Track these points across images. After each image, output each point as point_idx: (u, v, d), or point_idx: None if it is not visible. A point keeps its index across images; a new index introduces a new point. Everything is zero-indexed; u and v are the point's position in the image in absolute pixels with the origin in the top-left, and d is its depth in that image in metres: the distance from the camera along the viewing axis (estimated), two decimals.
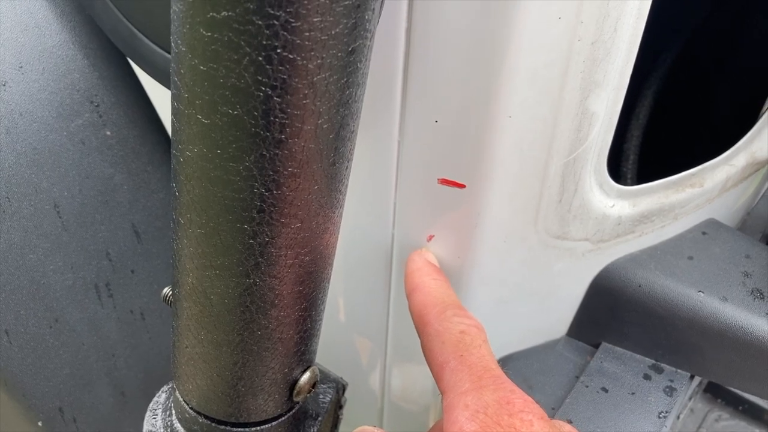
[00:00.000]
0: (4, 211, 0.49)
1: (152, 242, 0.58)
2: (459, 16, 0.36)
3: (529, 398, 0.35)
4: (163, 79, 0.49)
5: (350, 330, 0.61)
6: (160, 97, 0.59)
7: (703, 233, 0.56)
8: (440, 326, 0.40)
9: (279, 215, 0.30)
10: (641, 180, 0.51)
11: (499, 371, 0.37)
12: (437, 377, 0.39)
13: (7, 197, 0.49)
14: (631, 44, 0.40)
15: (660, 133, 0.80)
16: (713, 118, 0.78)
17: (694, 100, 0.82)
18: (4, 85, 0.49)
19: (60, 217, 0.51)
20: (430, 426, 0.51)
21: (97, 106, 0.53)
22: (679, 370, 0.54)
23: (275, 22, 0.25)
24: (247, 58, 0.26)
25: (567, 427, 0.37)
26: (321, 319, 0.39)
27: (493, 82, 0.37)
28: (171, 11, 0.28)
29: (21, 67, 0.49)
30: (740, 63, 0.76)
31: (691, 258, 0.54)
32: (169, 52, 0.46)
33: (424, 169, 0.43)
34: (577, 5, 0.35)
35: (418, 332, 0.42)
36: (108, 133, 0.53)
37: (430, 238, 0.47)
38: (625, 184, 0.49)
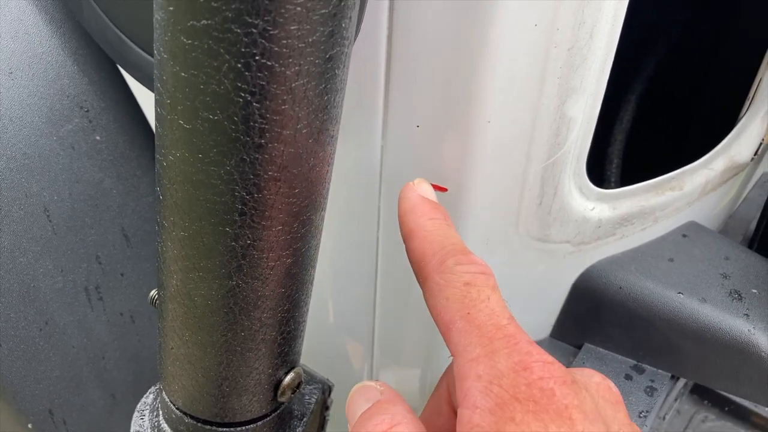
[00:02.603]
0: None
1: (141, 246, 0.58)
2: (438, 23, 0.37)
3: (548, 358, 0.31)
4: (151, 84, 0.50)
5: (337, 332, 0.62)
6: (149, 102, 0.59)
7: (684, 236, 0.57)
8: (442, 279, 0.36)
9: (260, 218, 0.31)
10: (625, 183, 0.51)
11: (512, 327, 0.33)
12: (445, 338, 0.35)
13: None
14: (608, 51, 0.40)
15: (644, 136, 0.81)
16: (695, 123, 0.79)
17: (676, 105, 0.83)
18: None
19: (50, 221, 0.52)
20: None
21: (86, 111, 0.53)
22: (660, 371, 0.55)
23: (253, 30, 0.25)
24: (227, 65, 0.26)
25: (596, 377, 0.34)
26: (305, 321, 0.40)
27: (472, 87, 0.38)
28: (153, 20, 0.28)
29: (11, 72, 0.50)
30: (722, 67, 0.77)
31: (671, 260, 0.55)
32: (150, 53, 0.47)
33: (407, 173, 0.44)
34: (552, 13, 0.36)
35: (419, 284, 0.38)
36: (97, 137, 0.54)
37: None
38: (609, 187, 0.50)
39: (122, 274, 0.58)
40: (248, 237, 0.31)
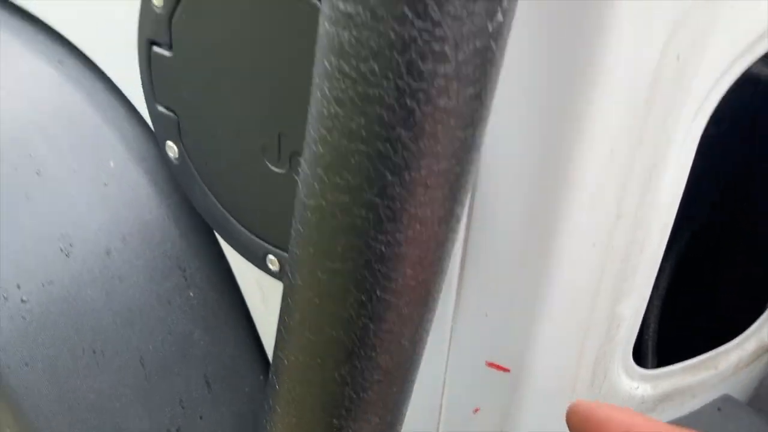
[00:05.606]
0: (97, 364, 0.56)
1: (221, 391, 0.64)
2: (509, 235, 0.43)
3: None
4: (243, 251, 0.57)
5: None
6: (240, 265, 0.66)
7: (719, 409, 0.61)
8: None
9: (364, 413, 0.37)
10: (661, 355, 0.56)
11: None
12: None
13: (102, 352, 0.56)
14: (655, 258, 0.47)
15: (676, 314, 0.85)
16: (725, 304, 0.84)
17: (705, 287, 0.87)
18: (108, 254, 0.57)
19: (144, 369, 0.58)
20: None
21: (183, 270, 0.60)
22: None
23: (378, 273, 0.32)
24: (353, 297, 0.33)
25: None
26: None
27: (535, 293, 0.44)
28: (289, 251, 0.35)
29: (124, 238, 0.57)
30: (747, 253, 0.82)
31: None
32: (250, 230, 0.54)
33: (473, 353, 0.49)
34: (608, 235, 0.42)
35: None
36: (191, 293, 0.61)
37: (477, 410, 0.52)
38: (645, 359, 0.55)
39: (201, 417, 0.63)
40: (350, 428, 0.37)
